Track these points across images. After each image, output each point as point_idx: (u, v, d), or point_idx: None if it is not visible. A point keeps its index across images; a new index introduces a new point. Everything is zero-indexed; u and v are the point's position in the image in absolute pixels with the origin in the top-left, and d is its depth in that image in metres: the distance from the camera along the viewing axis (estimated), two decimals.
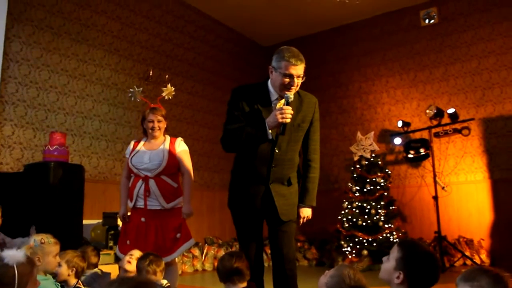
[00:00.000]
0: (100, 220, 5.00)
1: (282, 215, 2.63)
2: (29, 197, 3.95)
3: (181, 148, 3.47)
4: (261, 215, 2.67)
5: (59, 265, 2.55)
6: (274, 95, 2.62)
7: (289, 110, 2.47)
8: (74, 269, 2.60)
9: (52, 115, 5.23)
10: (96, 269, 3.10)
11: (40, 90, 5.14)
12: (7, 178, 4.36)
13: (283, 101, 2.53)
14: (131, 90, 3.77)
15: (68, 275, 2.57)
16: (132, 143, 3.58)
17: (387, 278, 1.82)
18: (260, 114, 2.57)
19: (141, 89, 3.81)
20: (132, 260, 2.59)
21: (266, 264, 2.89)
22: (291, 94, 2.52)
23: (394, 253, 1.83)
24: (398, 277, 1.77)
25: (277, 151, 2.58)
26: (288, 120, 2.47)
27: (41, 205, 3.87)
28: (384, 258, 1.87)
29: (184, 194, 3.41)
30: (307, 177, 2.76)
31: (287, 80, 2.51)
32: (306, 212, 2.76)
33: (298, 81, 2.54)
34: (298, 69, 2.52)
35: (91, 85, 5.70)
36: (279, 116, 2.45)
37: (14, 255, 1.56)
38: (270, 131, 2.52)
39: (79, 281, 2.63)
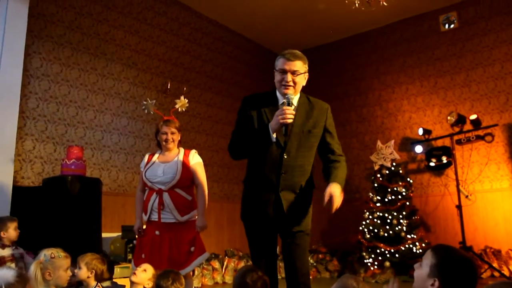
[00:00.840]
0: (120, 233, 5.02)
1: (292, 224, 2.55)
2: (48, 211, 3.99)
3: (195, 160, 3.46)
4: (273, 226, 2.60)
5: (79, 267, 2.57)
6: (281, 99, 2.59)
7: (289, 111, 2.43)
8: (93, 271, 2.61)
9: (72, 129, 5.30)
10: (107, 282, 3.08)
11: (60, 104, 5.22)
12: (27, 192, 4.42)
13: (285, 101, 2.51)
14: (144, 102, 3.79)
15: (88, 277, 2.58)
16: (147, 156, 3.59)
17: (421, 286, 1.72)
18: (266, 119, 2.56)
19: (154, 101, 3.82)
20: (137, 272, 2.58)
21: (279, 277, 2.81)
22: (290, 93, 2.51)
23: (428, 259, 1.73)
24: (432, 285, 1.67)
25: (285, 156, 2.53)
26: (289, 121, 2.43)
27: (59, 218, 3.90)
28: (416, 265, 1.79)
29: (198, 207, 3.38)
30: (333, 165, 2.66)
31: (281, 76, 2.53)
32: (334, 188, 2.49)
33: (294, 78, 2.52)
34: (292, 65, 2.51)
35: (110, 99, 5.77)
36: (280, 116, 2.42)
37: (3, 274, 1.55)
38: (274, 134, 2.49)
39: (99, 283, 2.63)
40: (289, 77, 2.51)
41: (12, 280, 1.55)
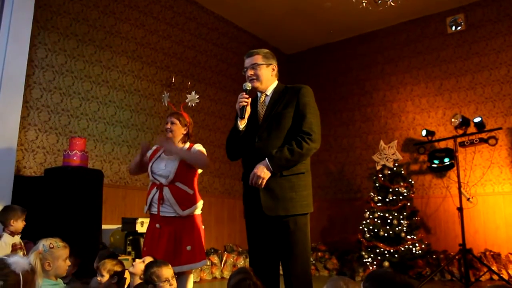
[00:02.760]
0: (120, 226, 5.05)
1: (266, 208, 2.51)
2: (49, 201, 4.01)
3: (197, 148, 3.43)
4: (260, 219, 2.58)
5: (101, 275, 2.60)
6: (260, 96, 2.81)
7: (242, 95, 2.64)
8: (116, 277, 2.65)
9: (75, 121, 5.31)
10: None
11: (64, 95, 5.24)
12: (29, 182, 4.44)
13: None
14: (163, 95, 3.79)
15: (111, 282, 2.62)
16: (155, 147, 3.62)
17: None
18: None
19: (169, 93, 3.80)
20: (135, 263, 2.61)
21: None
22: (248, 84, 2.72)
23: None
24: None
25: (257, 141, 2.62)
26: (244, 103, 2.62)
27: (60, 209, 3.92)
28: None
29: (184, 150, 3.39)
30: (286, 145, 2.54)
31: (246, 73, 2.77)
32: (258, 165, 2.50)
33: (255, 71, 2.73)
34: (250, 60, 2.76)
35: (114, 91, 5.78)
36: (237, 103, 2.66)
37: (20, 262, 1.57)
38: (240, 123, 2.66)
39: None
40: (249, 71, 2.74)
41: (28, 268, 1.57)
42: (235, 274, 2.15)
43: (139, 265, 2.54)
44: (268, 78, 2.74)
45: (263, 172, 2.48)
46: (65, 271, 2.42)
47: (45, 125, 5.03)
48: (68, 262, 2.43)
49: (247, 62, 2.76)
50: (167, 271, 2.37)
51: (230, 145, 2.81)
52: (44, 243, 2.33)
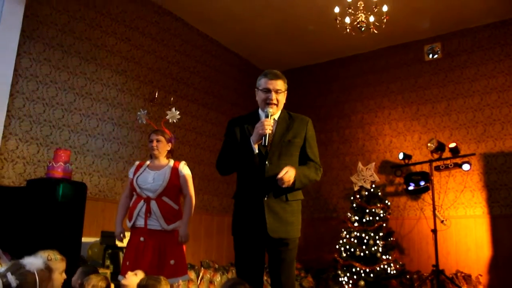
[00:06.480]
0: (98, 239, 4.99)
1: (271, 231, 2.59)
2: (30, 213, 3.96)
3: (184, 172, 3.52)
4: (260, 239, 2.65)
5: None
6: (263, 117, 2.73)
7: (268, 122, 2.59)
8: None
9: (57, 132, 5.27)
10: None
11: (47, 106, 5.21)
12: (8, 192, 4.37)
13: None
14: (138, 113, 3.85)
15: None
16: (136, 163, 3.64)
17: None
18: (249, 134, 2.71)
19: (146, 111, 3.88)
20: (128, 276, 2.61)
21: None
22: (271, 109, 2.67)
23: None
24: None
25: (268, 164, 2.64)
26: (268, 131, 2.57)
27: (41, 220, 3.87)
28: None
29: (183, 216, 3.42)
30: (303, 165, 2.77)
31: (266, 95, 2.69)
32: (289, 167, 2.59)
33: (277, 96, 2.70)
34: (275, 84, 2.70)
35: (97, 104, 5.77)
36: (259, 127, 2.58)
37: (34, 262, 1.60)
38: (256, 146, 2.62)
39: None
40: (273, 95, 2.68)
41: (43, 266, 1.60)
42: (228, 281, 2.22)
43: (133, 278, 2.55)
44: (282, 106, 2.79)
45: (292, 176, 2.58)
46: (61, 284, 2.41)
47: (26, 135, 4.98)
48: (64, 276, 2.42)
49: (272, 84, 2.69)
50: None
51: (230, 162, 2.77)
52: (42, 255, 2.32)
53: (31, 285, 1.53)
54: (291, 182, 2.57)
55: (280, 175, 2.53)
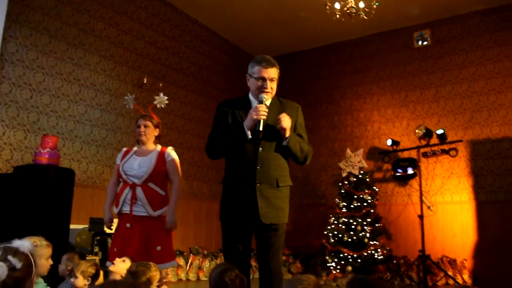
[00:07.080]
0: (86, 225, 4.99)
1: (262, 217, 2.61)
2: (17, 199, 3.94)
3: (171, 157, 3.49)
4: (249, 224, 2.67)
5: (75, 276, 2.53)
6: (254, 103, 2.75)
7: (262, 108, 2.61)
8: (90, 278, 2.61)
9: (44, 118, 5.23)
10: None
11: (34, 92, 5.15)
12: None
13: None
14: (126, 98, 3.82)
15: (85, 284, 2.58)
16: (124, 149, 3.62)
17: None
18: (240, 119, 2.71)
19: (133, 96, 3.86)
20: (116, 262, 2.62)
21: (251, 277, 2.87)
22: (265, 96, 2.69)
23: None
24: None
25: (260, 149, 2.66)
26: (263, 117, 2.60)
27: (29, 207, 3.86)
28: None
29: (170, 202, 3.41)
30: None
31: (260, 83, 2.69)
32: (285, 117, 2.64)
33: (271, 84, 2.72)
34: (270, 72, 2.70)
35: (85, 90, 5.72)
36: (254, 113, 2.60)
37: (24, 244, 1.60)
38: (249, 131, 2.63)
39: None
40: (268, 84, 2.70)
41: (32, 247, 1.60)
42: (218, 266, 2.20)
43: (121, 264, 2.56)
44: (274, 92, 2.80)
45: (289, 123, 2.63)
46: (47, 270, 2.41)
47: (13, 121, 4.93)
48: (50, 261, 2.43)
49: (267, 73, 2.69)
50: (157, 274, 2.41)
51: (219, 146, 2.75)
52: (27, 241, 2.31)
53: (31, 266, 1.55)
54: (287, 130, 2.62)
55: (280, 116, 2.60)
